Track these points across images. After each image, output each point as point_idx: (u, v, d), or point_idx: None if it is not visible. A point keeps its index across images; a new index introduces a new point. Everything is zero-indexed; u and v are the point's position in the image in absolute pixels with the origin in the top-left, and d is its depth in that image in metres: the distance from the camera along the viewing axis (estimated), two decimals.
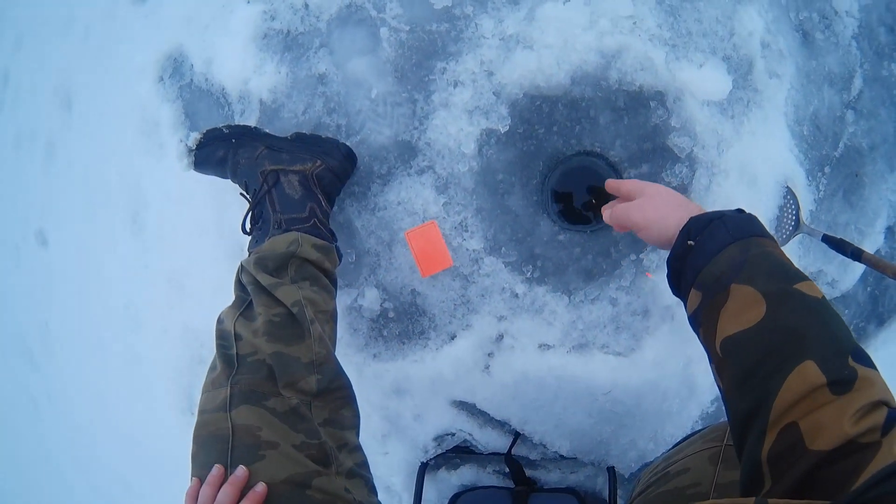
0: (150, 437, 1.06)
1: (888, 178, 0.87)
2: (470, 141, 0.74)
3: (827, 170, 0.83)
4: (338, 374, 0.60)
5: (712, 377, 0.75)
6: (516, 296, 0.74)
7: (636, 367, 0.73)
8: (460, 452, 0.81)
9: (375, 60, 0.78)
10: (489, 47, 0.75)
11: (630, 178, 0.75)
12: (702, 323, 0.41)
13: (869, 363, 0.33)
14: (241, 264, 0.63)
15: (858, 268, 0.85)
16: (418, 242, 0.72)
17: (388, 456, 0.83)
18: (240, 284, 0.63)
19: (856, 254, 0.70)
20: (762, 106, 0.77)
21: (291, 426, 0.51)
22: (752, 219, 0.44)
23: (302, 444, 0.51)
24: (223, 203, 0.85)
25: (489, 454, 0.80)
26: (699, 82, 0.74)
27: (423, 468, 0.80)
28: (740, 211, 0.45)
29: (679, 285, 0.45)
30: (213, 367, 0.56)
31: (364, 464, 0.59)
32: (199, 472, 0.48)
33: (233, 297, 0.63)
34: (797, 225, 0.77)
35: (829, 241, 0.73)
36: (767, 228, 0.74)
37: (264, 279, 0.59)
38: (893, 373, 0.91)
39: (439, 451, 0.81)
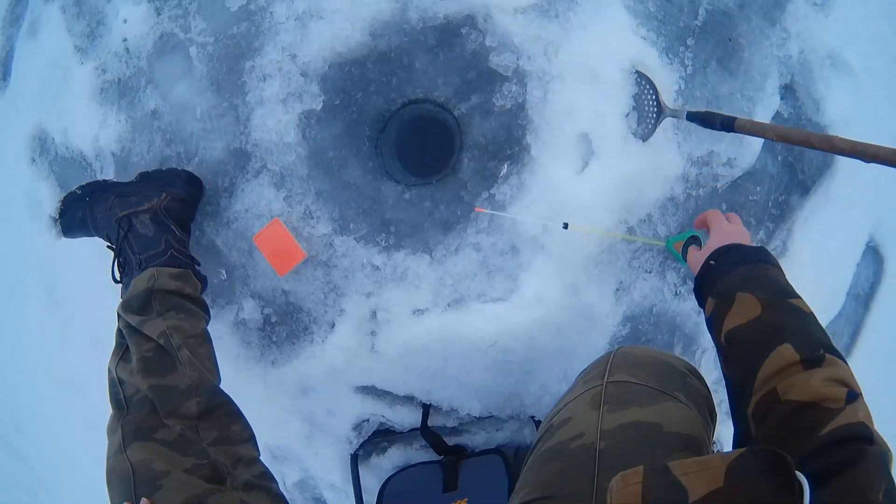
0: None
1: (769, 33, 0.77)
2: (290, 129, 0.74)
3: (690, 42, 0.75)
4: (215, 392, 0.63)
5: (610, 305, 0.71)
6: (377, 268, 0.72)
7: (519, 309, 0.69)
8: (383, 436, 0.80)
9: (193, 80, 0.79)
10: (286, 31, 0.74)
11: (461, 114, 0.71)
12: (715, 324, 0.51)
13: (838, 354, 0.42)
14: (117, 311, 0.68)
15: (754, 139, 0.76)
16: (268, 244, 0.72)
17: (319, 456, 0.83)
18: (118, 331, 0.67)
19: (726, 124, 0.62)
20: None
21: (181, 452, 0.56)
22: (763, 249, 0.55)
23: (193, 466, 0.55)
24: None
25: (409, 431, 0.79)
26: None
27: (355, 459, 0.80)
28: (756, 246, 0.58)
29: (701, 297, 0.56)
30: (111, 415, 0.61)
31: (264, 475, 0.61)
32: None
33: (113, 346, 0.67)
34: (659, 109, 0.70)
35: (694, 117, 0.66)
36: (625, 122, 0.68)
37: (132, 319, 0.64)
38: (829, 244, 0.81)
39: (363, 440, 0.81)
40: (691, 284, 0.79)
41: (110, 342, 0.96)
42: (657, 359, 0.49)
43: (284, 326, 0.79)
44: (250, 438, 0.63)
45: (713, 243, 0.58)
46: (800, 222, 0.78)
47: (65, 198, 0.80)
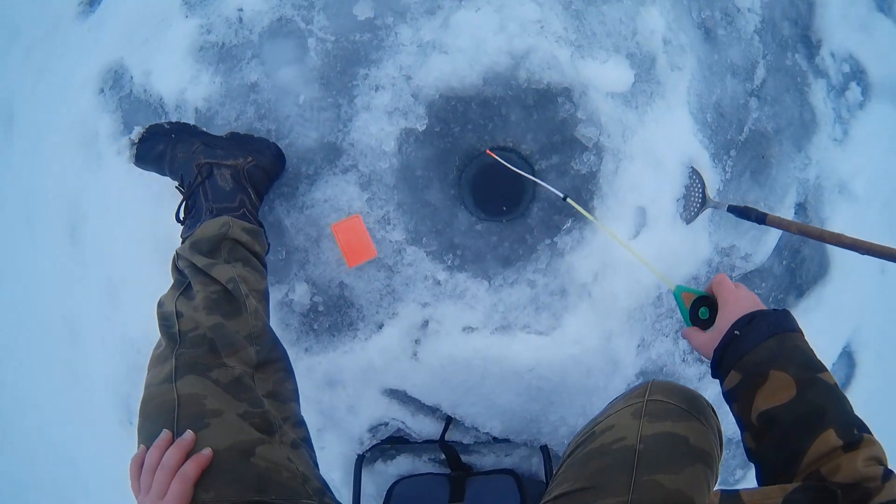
0: (89, 452, 1.06)
1: (795, 157, 0.96)
2: (390, 140, 0.81)
3: (733, 153, 0.92)
4: (275, 345, 0.64)
5: (633, 357, 0.82)
6: (438, 283, 0.80)
7: (558, 344, 0.78)
8: (395, 443, 0.84)
9: (303, 69, 0.85)
10: (408, 53, 0.83)
11: (541, 170, 0.82)
12: (738, 399, 0.52)
13: (868, 431, 0.46)
14: (177, 251, 0.68)
15: (770, 241, 0.93)
16: (344, 235, 0.77)
17: (325, 451, 0.86)
18: (176, 269, 0.67)
19: (760, 218, 0.77)
20: (665, 96, 0.86)
21: (234, 395, 0.54)
22: (787, 314, 0.55)
23: (245, 412, 0.53)
24: (159, 215, 0.89)
25: (423, 442, 0.84)
26: (603, 77, 0.83)
27: (360, 461, 0.83)
28: (777, 310, 0.57)
29: (719, 367, 0.56)
30: (157, 345, 0.59)
31: (307, 440, 0.61)
32: (146, 441, 0.51)
33: (171, 283, 0.67)
34: (704, 200, 0.85)
35: (734, 210, 0.80)
36: (675, 206, 0.82)
37: (199, 260, 0.63)
38: (816, 337, 0.99)
39: (374, 443, 0.84)
40: (697, 355, 0.92)
41: (125, 295, 0.96)
42: (687, 389, 0.57)
43: (329, 317, 0.83)
44: (298, 400, 0.64)
45: (732, 311, 0.57)
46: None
47: (150, 126, 0.81)
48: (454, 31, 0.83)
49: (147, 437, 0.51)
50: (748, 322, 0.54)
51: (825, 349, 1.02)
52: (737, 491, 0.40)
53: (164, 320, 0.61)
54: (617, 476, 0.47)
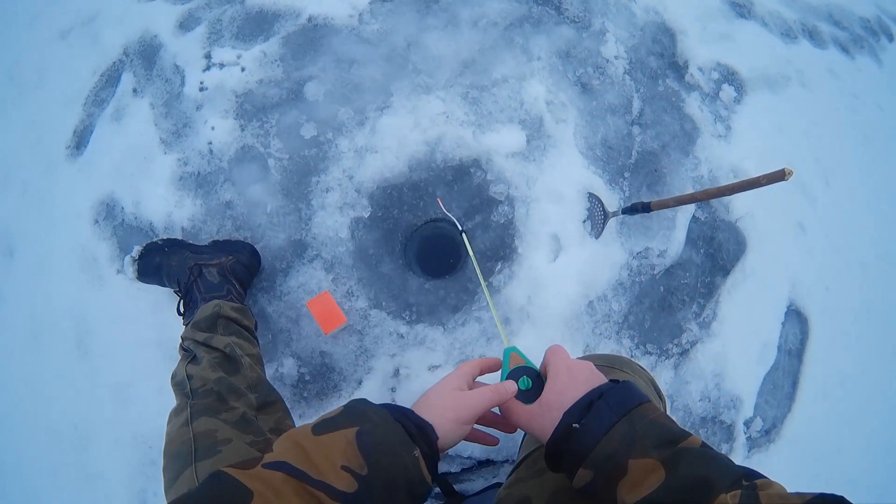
0: None
1: (685, 161, 1.17)
2: (344, 229, 1.02)
3: (627, 174, 1.14)
4: (271, 390, 0.76)
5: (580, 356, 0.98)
6: (402, 336, 0.97)
7: None
8: None
9: (267, 184, 1.07)
10: (347, 158, 1.06)
11: (468, 228, 1.03)
12: (595, 493, 0.45)
13: (756, 474, 0.41)
14: (181, 336, 0.83)
15: (679, 236, 1.10)
16: (317, 308, 0.95)
17: None
18: (182, 349, 0.81)
19: (645, 206, 0.96)
20: (556, 146, 1.10)
21: (242, 430, 0.64)
22: (628, 387, 0.48)
23: (252, 441, 0.63)
24: (159, 320, 1.06)
25: None
26: (501, 143, 1.07)
27: None
28: (615, 381, 0.50)
29: (559, 464, 0.48)
30: (175, 407, 0.70)
31: None
32: (170, 481, 0.59)
33: (178, 359, 0.80)
34: (605, 215, 1.05)
35: (626, 210, 1.00)
36: (583, 226, 1.02)
37: (200, 336, 0.79)
38: (753, 308, 1.13)
39: None
40: (645, 348, 1.05)
41: (133, 395, 1.09)
42: (608, 354, 0.65)
43: (316, 385, 0.99)
44: None
45: (564, 386, 0.49)
46: (724, 294, 1.10)
47: (147, 245, 1.00)
48: (380, 134, 1.07)
49: (171, 476, 0.59)
50: (586, 409, 0.46)
51: (768, 311, 1.13)
52: (757, 495, 0.37)
53: (178, 385, 0.73)
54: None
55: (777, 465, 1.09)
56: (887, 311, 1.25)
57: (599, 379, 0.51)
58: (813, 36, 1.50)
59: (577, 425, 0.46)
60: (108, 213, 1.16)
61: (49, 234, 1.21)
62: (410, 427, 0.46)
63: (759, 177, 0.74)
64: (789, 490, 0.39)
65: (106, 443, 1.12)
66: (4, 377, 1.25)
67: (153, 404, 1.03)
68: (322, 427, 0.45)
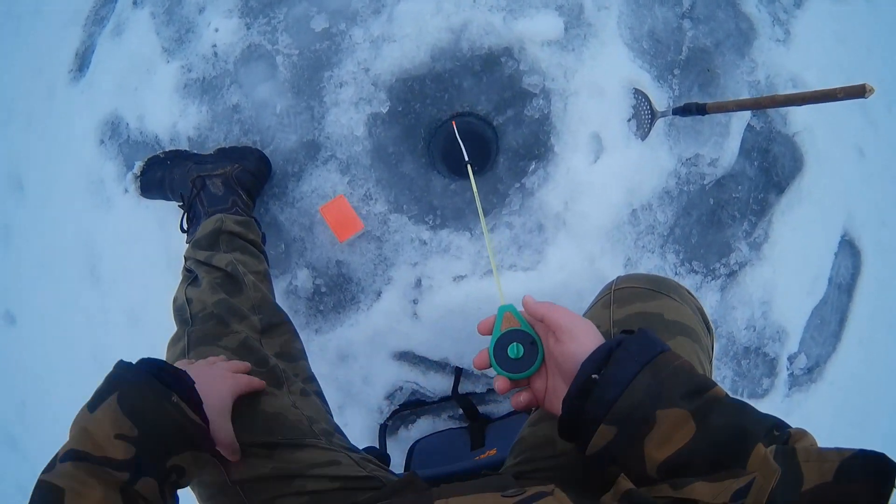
0: None
1: (740, 64, 1.04)
2: (360, 126, 0.94)
3: (676, 71, 1.01)
4: (276, 311, 0.72)
5: (622, 271, 0.89)
6: (424, 242, 0.89)
7: (544, 276, 0.86)
8: (413, 407, 0.92)
9: (276, 84, 1.00)
10: (362, 50, 0.97)
11: (499, 124, 0.93)
12: (617, 457, 0.41)
13: (785, 424, 0.39)
14: (184, 256, 0.79)
15: (733, 144, 1.00)
16: (332, 214, 0.89)
17: (349, 427, 0.93)
18: (185, 270, 0.78)
19: (700, 109, 0.84)
20: (597, 35, 0.97)
21: (241, 357, 0.61)
22: (648, 334, 0.43)
23: (252, 371, 0.60)
24: (167, 237, 1.03)
25: (439, 400, 0.90)
26: (536, 30, 0.95)
27: (384, 430, 0.90)
28: (631, 332, 0.44)
29: (576, 425, 0.43)
30: (173, 335, 0.67)
31: (319, 393, 0.68)
32: None
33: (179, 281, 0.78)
34: (652, 114, 0.93)
35: (678, 111, 0.88)
36: (627, 126, 0.90)
37: (201, 255, 0.75)
38: (806, 235, 1.02)
39: (393, 409, 0.91)
40: (690, 266, 0.97)
41: (145, 318, 1.08)
42: (653, 275, 0.60)
43: (332, 297, 0.93)
44: (307, 359, 0.72)
45: (574, 346, 0.43)
46: (778, 215, 1.01)
47: (148, 159, 0.96)
48: (398, 21, 0.97)
49: None
50: (605, 357, 0.42)
51: (821, 240, 1.06)
52: (793, 448, 0.35)
53: (178, 311, 0.70)
54: None
55: (817, 407, 1.03)
56: None
57: (604, 338, 0.46)
58: None
59: (596, 376, 0.41)
60: (113, 131, 1.13)
61: (57, 162, 1.20)
62: (165, 376, 0.48)
63: (837, 89, 0.66)
64: (820, 443, 0.37)
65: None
66: (25, 313, 1.27)
67: (166, 323, 1.00)
68: (93, 402, 0.46)
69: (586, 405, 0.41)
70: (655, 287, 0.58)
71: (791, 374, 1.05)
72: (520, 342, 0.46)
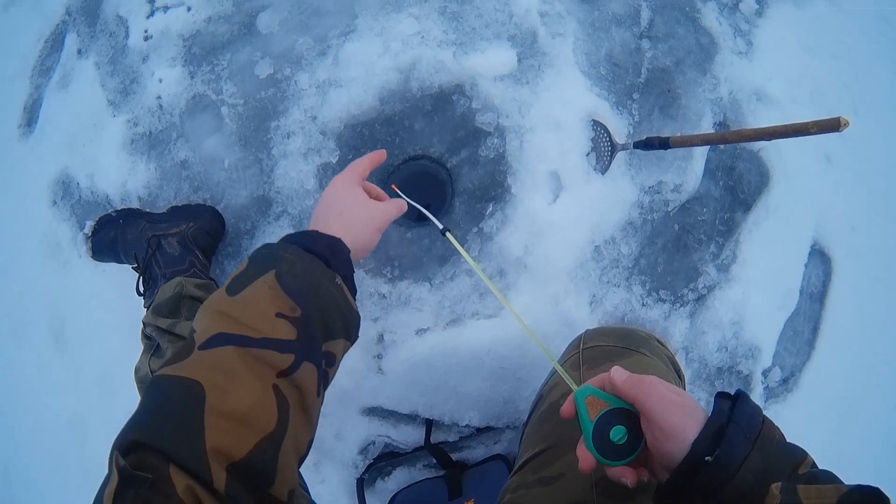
0: None
1: (702, 81, 1.03)
2: (310, 178, 0.93)
3: (636, 95, 1.00)
4: None
5: (587, 314, 0.88)
6: (383, 296, 0.89)
7: (509, 322, 0.86)
8: (387, 458, 0.92)
9: (223, 136, 0.99)
10: (308, 96, 0.96)
11: (453, 166, 0.92)
12: None
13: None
14: (143, 321, 0.80)
15: (697, 167, 1.00)
16: None
17: (326, 483, 0.94)
18: (145, 336, 0.78)
19: (663, 143, 0.83)
20: (552, 64, 0.96)
21: None
22: (747, 400, 0.43)
23: None
24: (129, 300, 1.01)
25: (413, 451, 0.91)
26: (487, 65, 0.93)
27: (361, 484, 0.91)
28: (723, 395, 0.44)
29: (678, 496, 0.42)
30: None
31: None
32: None
33: (141, 350, 0.78)
34: (613, 147, 0.92)
35: (639, 145, 0.88)
36: (586, 160, 0.89)
37: (162, 322, 0.74)
38: (775, 249, 1.01)
39: (368, 463, 0.92)
40: (657, 295, 0.97)
41: (118, 382, 1.09)
42: (621, 328, 0.61)
43: None
44: None
45: (674, 423, 0.42)
46: (745, 233, 1.01)
47: (99, 218, 0.95)
48: (344, 64, 0.95)
49: None
50: (716, 436, 0.41)
51: (791, 252, 1.07)
52: (794, 487, 0.37)
53: (142, 381, 0.72)
54: (571, 431, 0.51)
55: (794, 416, 1.04)
56: None
57: (690, 399, 0.45)
58: None
59: (709, 458, 0.40)
60: (65, 191, 1.13)
61: (13, 224, 1.20)
62: (324, 251, 0.46)
63: (809, 123, 0.64)
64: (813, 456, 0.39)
65: (103, 434, 1.12)
66: None
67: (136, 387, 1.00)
68: (235, 285, 0.41)
69: (695, 482, 0.40)
70: (625, 344, 0.58)
71: (766, 388, 1.06)
72: (621, 424, 0.44)
